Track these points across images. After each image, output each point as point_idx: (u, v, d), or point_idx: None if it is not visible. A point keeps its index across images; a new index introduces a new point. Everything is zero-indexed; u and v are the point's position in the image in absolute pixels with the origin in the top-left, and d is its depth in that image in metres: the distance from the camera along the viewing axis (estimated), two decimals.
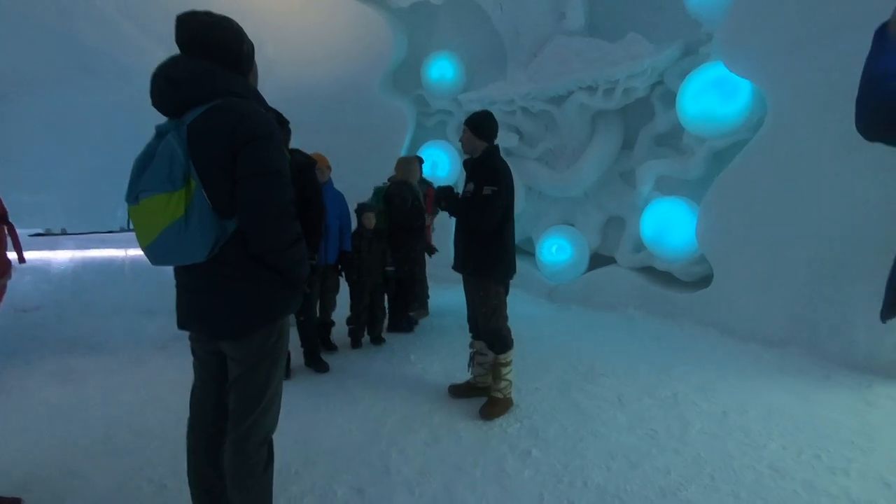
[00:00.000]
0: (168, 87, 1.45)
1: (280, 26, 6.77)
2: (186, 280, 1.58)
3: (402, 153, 7.04)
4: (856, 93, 1.41)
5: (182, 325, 1.63)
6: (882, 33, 1.38)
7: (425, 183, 5.21)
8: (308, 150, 4.27)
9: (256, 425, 1.61)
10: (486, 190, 2.84)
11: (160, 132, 1.46)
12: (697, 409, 3.07)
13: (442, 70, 6.71)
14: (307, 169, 3.59)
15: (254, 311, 1.53)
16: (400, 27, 6.93)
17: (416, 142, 7.11)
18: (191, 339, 1.70)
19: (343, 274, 4.31)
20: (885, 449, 2.54)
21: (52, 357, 3.95)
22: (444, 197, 3.07)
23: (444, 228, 6.12)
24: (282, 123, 1.64)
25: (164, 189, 1.38)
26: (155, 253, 1.46)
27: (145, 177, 1.41)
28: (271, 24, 6.65)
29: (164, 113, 1.51)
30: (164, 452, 2.52)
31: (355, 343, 4.36)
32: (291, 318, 4.19)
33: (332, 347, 4.27)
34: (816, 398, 3.20)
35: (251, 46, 1.61)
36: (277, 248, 1.51)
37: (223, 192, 1.43)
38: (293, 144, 3.70)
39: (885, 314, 1.46)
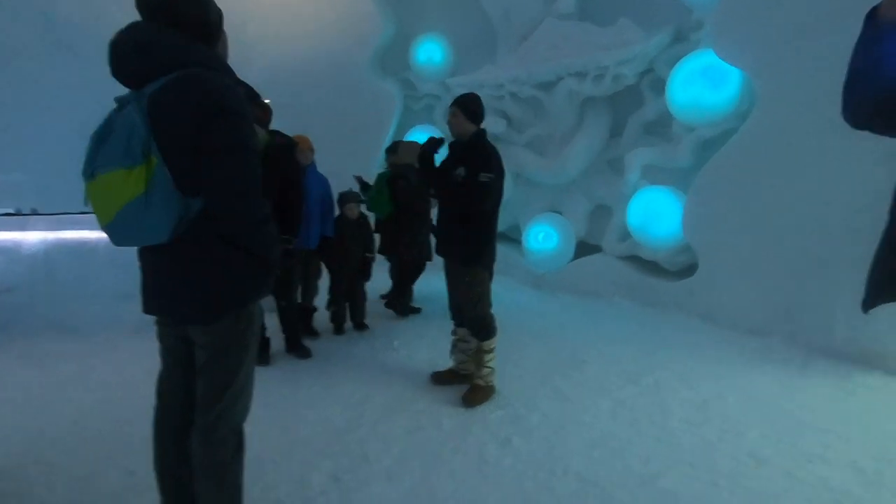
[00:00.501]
0: (126, 55, 1.36)
1: (263, 4, 6.57)
2: (150, 262, 1.50)
3: (389, 137, 6.92)
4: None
5: (147, 309, 1.55)
6: (872, 18, 1.34)
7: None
8: (291, 132, 4.17)
9: (225, 414, 1.55)
10: (483, 177, 2.78)
11: (121, 103, 1.37)
12: (679, 396, 3.08)
13: (430, 53, 6.57)
14: (288, 150, 3.49)
15: (222, 295, 1.46)
16: (387, 8, 6.76)
17: (403, 126, 6.99)
18: (157, 323, 1.62)
19: (324, 259, 4.23)
20: (861, 436, 2.57)
21: (23, 340, 3.84)
22: (439, 180, 2.98)
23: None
24: (252, 98, 1.54)
25: (123, 164, 1.29)
26: (114, 233, 1.38)
27: (103, 151, 1.32)
28: (256, 2, 6.46)
29: (124, 84, 1.41)
30: (135, 439, 2.43)
31: (338, 329, 4.30)
32: (267, 302, 4.14)
33: (314, 333, 4.21)
34: (796, 386, 3.22)
35: (219, 15, 1.51)
36: (247, 227, 1.43)
37: (187, 169, 1.35)
38: (275, 125, 3.60)
39: (867, 304, 1.45)
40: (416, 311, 4.89)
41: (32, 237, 4.27)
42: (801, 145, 3.75)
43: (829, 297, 3.67)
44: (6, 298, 4.10)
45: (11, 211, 4.27)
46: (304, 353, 3.71)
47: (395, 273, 4.95)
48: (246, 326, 1.53)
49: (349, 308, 4.39)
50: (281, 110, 6.81)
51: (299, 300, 4.14)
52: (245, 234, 1.44)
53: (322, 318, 4.32)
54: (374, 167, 5.25)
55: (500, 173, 2.89)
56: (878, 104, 1.31)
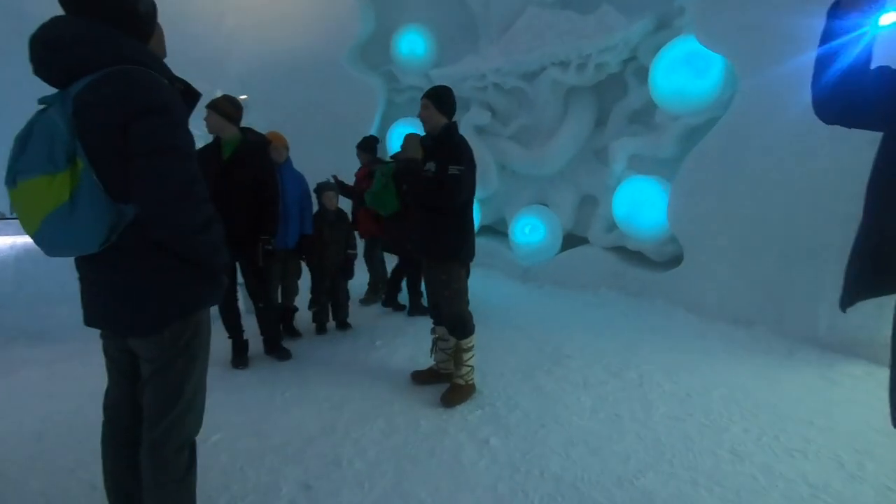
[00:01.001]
0: (46, 52, 1.27)
1: None
2: (87, 272, 1.42)
3: (373, 131, 6.82)
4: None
5: (87, 321, 1.47)
6: (835, 11, 1.31)
7: (380, 162, 4.94)
8: (271, 127, 4.06)
9: (174, 429, 1.47)
10: (453, 169, 2.70)
11: (44, 104, 1.28)
12: (661, 390, 3.04)
13: (412, 44, 6.45)
14: (260, 148, 3.39)
15: (162, 305, 1.38)
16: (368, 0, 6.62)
17: (387, 119, 6.88)
18: (101, 335, 1.55)
19: (304, 258, 4.14)
20: (843, 428, 2.53)
21: None
22: (408, 176, 2.91)
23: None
24: (191, 96, 1.45)
25: (45, 170, 1.21)
26: (42, 242, 1.29)
27: (24, 157, 1.24)
28: None
29: (49, 83, 1.32)
30: (98, 451, 2.37)
31: (320, 329, 4.23)
32: (246, 303, 4.02)
33: (296, 334, 4.14)
34: (779, 377, 3.19)
35: (151, 6, 1.41)
36: (181, 234, 1.35)
37: (117, 173, 1.27)
38: (255, 119, 3.51)
39: (845, 303, 1.40)
40: (402, 307, 4.83)
41: (1, 242, 4.16)
42: (785, 132, 3.69)
43: (814, 287, 3.63)
44: None
45: None
46: (283, 355, 3.64)
47: (397, 271, 4.87)
48: (192, 337, 1.46)
49: (331, 307, 4.31)
50: (260, 104, 6.72)
51: (279, 300, 4.06)
52: (179, 242, 1.36)
53: (305, 317, 4.25)
54: (357, 163, 5.14)
55: (470, 166, 2.81)
56: (846, 99, 1.27)
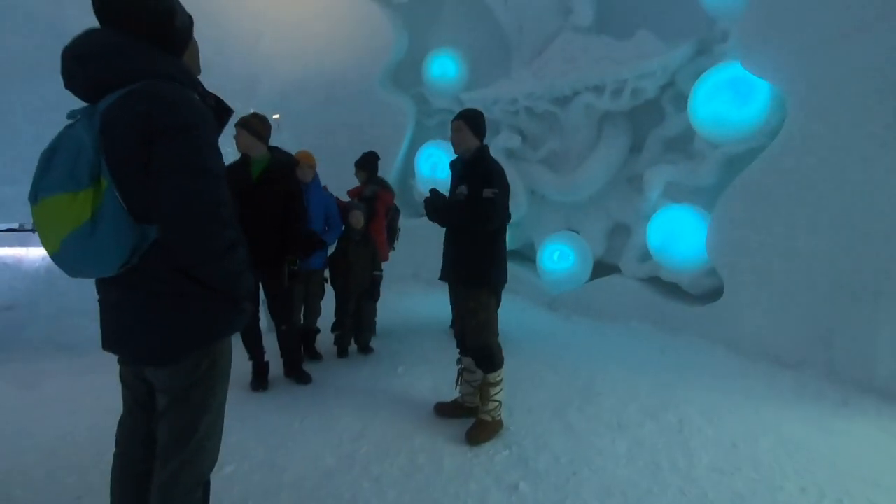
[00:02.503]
0: (76, 65, 1.22)
1: (278, 20, 6.56)
2: (107, 294, 1.35)
3: (402, 152, 6.82)
4: (893, 91, 1.18)
5: (105, 345, 1.40)
6: None
7: (379, 183, 4.60)
8: (304, 147, 4.05)
9: (188, 465, 1.37)
10: (488, 192, 2.60)
11: (73, 119, 1.22)
12: (704, 436, 2.81)
13: (443, 67, 6.46)
14: (289, 168, 3.37)
15: (180, 333, 1.29)
16: (401, 22, 6.69)
17: (416, 141, 6.87)
18: (119, 361, 1.47)
19: (328, 279, 4.07)
20: None
21: (20, 359, 3.77)
22: (437, 204, 2.80)
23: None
24: (223, 112, 1.38)
25: (67, 188, 1.15)
26: (63, 263, 1.23)
27: (48, 173, 1.18)
28: (269, 17, 6.45)
29: (80, 97, 1.28)
30: (108, 476, 2.29)
31: (341, 352, 4.13)
32: (267, 322, 3.93)
33: (316, 356, 4.04)
34: (834, 428, 2.93)
35: (187, 20, 1.37)
36: (203, 260, 1.26)
37: (141, 192, 1.20)
38: (288, 140, 3.49)
39: None
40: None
41: (34, 253, 4.21)
42: (837, 161, 3.49)
43: (871, 327, 3.37)
44: (6, 316, 4.04)
45: (15, 226, 4.24)
46: (303, 379, 3.54)
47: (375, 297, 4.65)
48: (210, 368, 1.36)
49: (354, 329, 4.21)
50: (294, 124, 6.80)
51: (301, 321, 3.98)
52: (201, 267, 1.27)
53: (326, 339, 4.15)
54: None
55: (505, 189, 2.70)
56: None
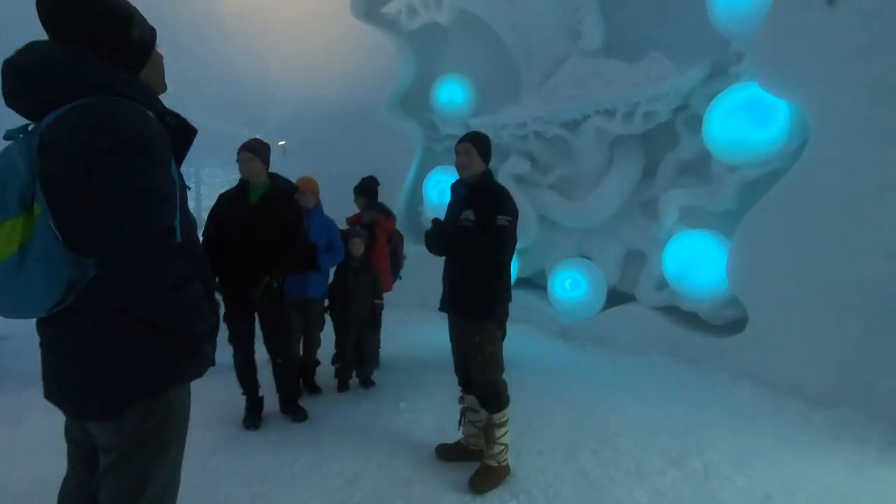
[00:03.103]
0: (15, 81, 1.10)
1: (286, 49, 6.62)
2: (44, 336, 1.20)
3: (410, 179, 6.74)
4: None
5: (45, 394, 1.24)
6: None
7: (379, 209, 4.42)
8: (311, 173, 3.96)
9: None
10: (502, 220, 2.44)
11: (7, 140, 1.10)
12: (733, 486, 2.54)
13: (451, 93, 6.42)
14: (289, 195, 3.26)
15: (124, 382, 1.13)
16: (408, 49, 6.70)
17: (424, 167, 6.78)
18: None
19: (328, 309, 3.91)
20: None
21: (10, 393, 3.63)
22: (443, 234, 2.63)
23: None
24: (185, 132, 1.24)
25: None
26: None
27: None
28: (277, 46, 6.51)
29: (23, 116, 1.15)
30: None
31: (342, 386, 3.93)
32: (261, 355, 3.74)
33: (316, 390, 3.85)
34: (880, 477, 2.64)
35: (147, 33, 1.25)
36: (144, 298, 1.10)
37: (80, 221, 1.06)
38: (296, 166, 3.40)
39: None
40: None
41: None
42: (868, 184, 3.27)
43: None
44: (1, 346, 3.93)
45: None
46: (298, 416, 3.34)
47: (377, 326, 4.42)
48: (160, 423, 1.19)
49: (356, 361, 4.02)
50: (298, 151, 6.80)
51: (300, 353, 3.81)
52: (143, 306, 1.11)
53: (326, 371, 3.96)
54: (394, 209, 4.97)
55: (515, 216, 2.54)
56: None
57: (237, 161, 3.11)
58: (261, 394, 3.32)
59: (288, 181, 3.31)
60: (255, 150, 3.10)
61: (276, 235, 3.13)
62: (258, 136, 3.35)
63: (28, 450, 2.84)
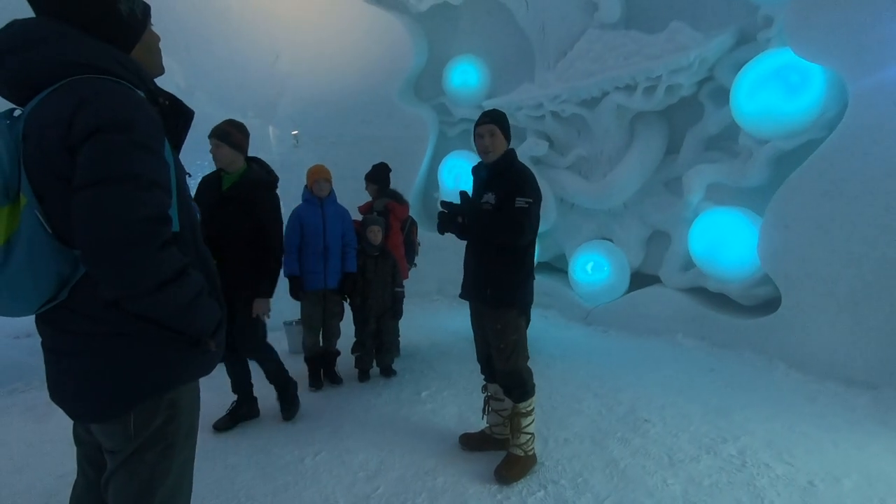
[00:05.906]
0: (2, 59, 1.02)
1: (296, 36, 6.50)
2: (43, 335, 1.15)
3: (424, 165, 6.62)
4: None
5: (51, 395, 1.19)
6: None
7: (391, 195, 4.32)
8: (322, 162, 3.85)
9: None
10: (521, 202, 2.32)
11: None
12: (772, 474, 2.42)
13: (464, 75, 6.26)
14: (262, 186, 2.90)
15: (123, 382, 1.07)
16: (419, 32, 6.54)
17: (439, 152, 6.66)
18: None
19: (347, 298, 3.85)
20: None
21: (36, 390, 3.68)
22: (456, 215, 2.51)
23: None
24: (180, 114, 1.15)
25: None
26: None
27: None
28: (287, 34, 6.40)
29: (7, 100, 1.08)
30: None
31: (362, 375, 3.89)
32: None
33: (336, 380, 3.82)
34: None
35: (140, 8, 1.15)
36: (133, 291, 1.02)
37: (69, 212, 0.98)
38: (308, 154, 3.25)
39: None
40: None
41: None
42: None
43: None
44: (25, 343, 3.99)
45: None
46: (288, 413, 3.17)
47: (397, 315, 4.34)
48: (165, 422, 1.13)
49: (375, 350, 3.97)
50: (315, 140, 6.73)
51: (320, 343, 3.77)
52: (133, 301, 1.03)
53: (347, 361, 3.93)
54: (409, 196, 4.88)
55: (538, 198, 2.42)
56: None
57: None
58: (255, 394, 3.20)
59: (267, 168, 3.00)
60: (222, 136, 2.79)
61: (247, 227, 2.82)
62: (230, 118, 2.94)
63: (54, 446, 2.86)
